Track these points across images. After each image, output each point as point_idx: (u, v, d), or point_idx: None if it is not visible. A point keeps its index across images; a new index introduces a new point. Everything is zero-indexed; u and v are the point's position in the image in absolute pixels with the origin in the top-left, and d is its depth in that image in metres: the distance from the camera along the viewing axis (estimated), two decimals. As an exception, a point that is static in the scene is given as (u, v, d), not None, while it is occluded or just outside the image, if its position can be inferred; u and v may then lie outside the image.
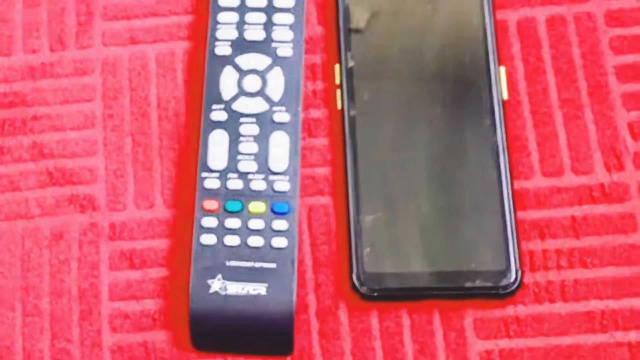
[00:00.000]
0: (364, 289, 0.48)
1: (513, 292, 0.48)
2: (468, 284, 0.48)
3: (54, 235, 0.50)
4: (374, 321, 0.48)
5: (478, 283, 0.48)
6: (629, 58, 0.52)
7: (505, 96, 0.51)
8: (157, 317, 0.49)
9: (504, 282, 0.48)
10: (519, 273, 0.48)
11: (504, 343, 0.48)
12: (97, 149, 0.52)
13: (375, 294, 0.48)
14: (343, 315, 0.48)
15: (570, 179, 0.50)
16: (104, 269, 0.50)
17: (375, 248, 0.48)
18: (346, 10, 0.53)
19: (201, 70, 0.52)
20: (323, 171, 0.51)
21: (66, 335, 0.49)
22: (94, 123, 0.52)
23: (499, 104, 0.50)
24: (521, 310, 0.48)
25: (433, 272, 0.48)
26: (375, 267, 0.48)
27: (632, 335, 0.47)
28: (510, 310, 0.48)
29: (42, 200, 0.51)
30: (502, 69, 0.51)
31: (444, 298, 0.48)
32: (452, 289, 0.48)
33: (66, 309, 0.49)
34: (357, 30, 0.52)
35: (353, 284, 0.48)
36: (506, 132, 0.50)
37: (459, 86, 0.51)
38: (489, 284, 0.48)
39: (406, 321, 0.48)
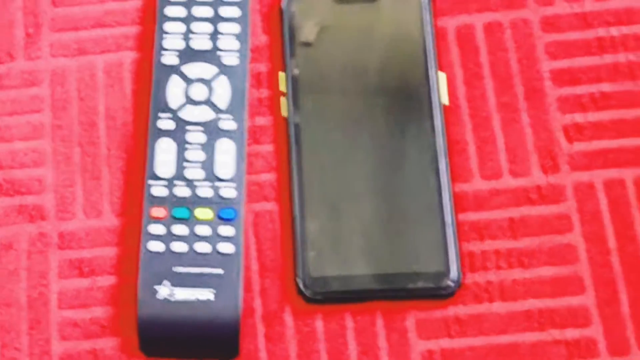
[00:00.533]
0: (308, 293, 0.49)
1: (453, 293, 0.49)
2: (410, 286, 0.48)
3: (3, 245, 0.51)
4: (319, 324, 0.49)
5: (420, 284, 0.48)
6: (564, 63, 0.52)
7: (446, 101, 0.52)
8: (106, 324, 0.49)
9: (444, 283, 0.49)
10: (459, 274, 0.49)
11: (446, 343, 0.48)
12: (46, 159, 0.52)
13: (320, 297, 0.49)
14: (288, 318, 0.49)
15: (508, 182, 0.51)
16: (53, 277, 0.50)
17: (319, 252, 0.49)
18: (291, 19, 0.53)
19: (148, 79, 0.53)
20: (268, 177, 0.51)
21: (15, 344, 0.49)
22: (42, 134, 0.53)
23: (439, 109, 0.51)
24: (462, 310, 0.49)
25: (376, 275, 0.49)
26: (319, 270, 0.49)
27: (569, 333, 0.48)
28: (451, 311, 0.49)
29: (-9, 211, 0.51)
30: (443, 75, 0.52)
31: (386, 299, 0.49)
32: (394, 291, 0.49)
33: (15, 319, 0.49)
34: (306, 43, 0.53)
35: (298, 287, 0.49)
36: (446, 137, 0.51)
37: (401, 93, 0.52)
38: (430, 285, 0.48)
39: (350, 323, 0.49)
